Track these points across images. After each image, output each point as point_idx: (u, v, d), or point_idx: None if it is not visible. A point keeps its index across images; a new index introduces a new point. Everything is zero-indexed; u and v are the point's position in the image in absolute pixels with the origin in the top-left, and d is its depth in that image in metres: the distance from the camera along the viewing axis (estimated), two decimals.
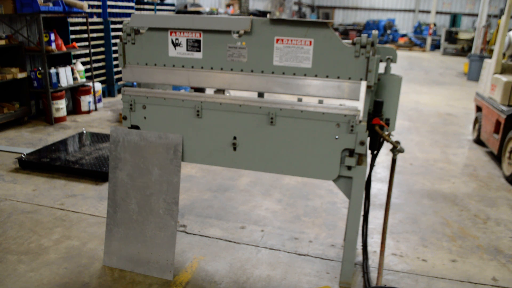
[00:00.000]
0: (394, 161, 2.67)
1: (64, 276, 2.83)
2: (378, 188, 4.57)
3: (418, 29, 28.79)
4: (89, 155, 4.84)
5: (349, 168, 2.56)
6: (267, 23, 2.43)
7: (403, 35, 28.14)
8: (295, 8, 30.17)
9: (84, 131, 5.78)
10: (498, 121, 5.39)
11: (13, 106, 6.19)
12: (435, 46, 26.80)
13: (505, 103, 5.31)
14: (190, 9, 13.13)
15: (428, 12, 30.74)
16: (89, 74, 7.65)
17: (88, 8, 7.56)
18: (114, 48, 8.49)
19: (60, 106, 6.58)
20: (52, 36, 6.39)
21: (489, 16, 23.66)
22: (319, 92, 2.46)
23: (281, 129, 2.58)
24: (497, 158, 5.65)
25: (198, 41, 2.55)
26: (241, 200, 4.11)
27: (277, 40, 2.43)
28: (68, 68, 6.78)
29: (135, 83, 4.51)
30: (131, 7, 8.98)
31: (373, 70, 2.33)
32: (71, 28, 7.26)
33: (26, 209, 3.75)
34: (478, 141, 6.35)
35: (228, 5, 17.63)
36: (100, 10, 8.22)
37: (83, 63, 7.54)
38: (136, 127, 2.84)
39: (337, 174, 2.59)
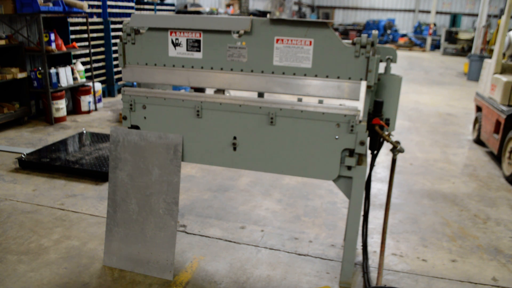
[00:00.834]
0: (394, 161, 2.67)
1: (64, 276, 2.83)
2: (378, 188, 4.57)
3: (418, 29, 28.79)
4: (89, 155, 4.84)
5: (349, 168, 2.56)
6: (267, 23, 2.43)
7: (403, 35, 28.14)
8: (295, 8, 30.17)
9: (84, 131, 5.78)
10: (498, 121, 5.39)
11: (13, 106, 6.19)
12: (435, 46, 26.80)
13: (505, 103, 5.31)
14: (190, 9, 13.13)
15: (428, 12, 30.74)
16: (89, 74, 7.65)
17: (88, 8, 7.56)
18: (114, 48, 8.49)
19: (60, 106, 6.58)
20: (52, 36, 6.39)
21: (489, 16, 23.67)
22: (319, 92, 2.46)
23: (281, 129, 2.58)
24: (497, 158, 5.65)
25: (198, 41, 2.55)
26: (241, 200, 4.11)
27: (277, 40, 2.43)
28: (68, 68, 6.78)
29: (135, 83, 4.51)
30: (131, 7, 8.98)
31: (373, 70, 2.33)
32: (71, 28, 7.26)
33: (26, 209, 3.75)
34: (478, 141, 6.35)
35: (228, 5, 17.63)
36: (100, 10, 8.22)
37: (83, 63, 7.54)
38: (136, 127, 2.84)
39: (337, 174, 2.59)
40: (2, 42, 5.84)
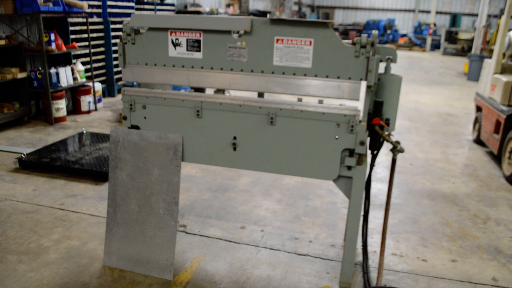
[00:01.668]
0: (394, 161, 2.67)
1: (64, 276, 2.83)
2: (378, 188, 4.57)
3: (418, 29, 28.79)
4: (89, 155, 4.84)
5: (349, 168, 2.56)
6: (267, 23, 2.43)
7: (403, 35, 28.14)
8: (295, 8, 30.16)
9: (84, 131, 5.78)
10: (498, 121, 5.39)
11: (13, 106, 6.19)
12: (435, 46, 26.80)
13: (505, 103, 5.31)
14: (190, 9, 13.13)
15: (428, 12, 30.74)
16: (89, 74, 7.65)
17: (88, 8, 7.55)
18: (114, 48, 8.49)
19: (60, 106, 6.58)
20: (52, 36, 6.39)
21: (489, 16, 23.66)
22: (319, 92, 2.46)
23: (281, 129, 2.58)
24: (497, 158, 5.65)
25: (198, 41, 2.55)
26: (241, 200, 4.11)
27: (277, 40, 2.43)
28: (68, 68, 6.78)
29: (135, 83, 4.51)
30: (131, 7, 8.98)
31: (373, 70, 2.34)
32: (71, 28, 7.26)
33: (26, 209, 3.75)
34: (478, 141, 6.35)
35: (228, 5, 17.62)
36: (100, 10, 8.22)
37: (83, 63, 7.54)
38: (136, 127, 2.84)
39: (337, 174, 2.59)
40: (2, 42, 5.84)
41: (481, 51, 14.18)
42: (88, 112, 7.31)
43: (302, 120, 2.53)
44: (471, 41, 22.20)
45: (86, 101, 7.23)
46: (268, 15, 19.98)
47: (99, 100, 7.70)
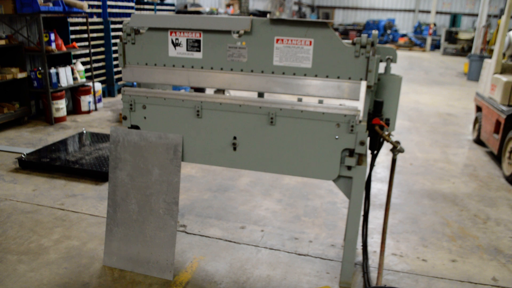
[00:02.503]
0: (394, 161, 2.67)
1: (64, 276, 2.83)
2: (378, 188, 4.57)
3: (418, 29, 28.79)
4: (89, 155, 4.84)
5: (349, 168, 2.56)
6: (267, 23, 2.43)
7: (403, 35, 28.14)
8: (295, 8, 30.17)
9: (84, 131, 5.78)
10: (498, 121, 5.39)
11: (13, 106, 6.19)
12: (435, 46, 26.80)
13: (505, 103, 5.31)
14: (190, 9, 13.13)
15: (428, 12, 30.74)
16: (89, 74, 7.65)
17: (88, 8, 7.55)
18: (114, 48, 8.49)
19: (60, 106, 6.58)
20: (52, 36, 6.39)
21: (489, 16, 23.65)
22: (319, 92, 2.46)
23: (281, 129, 2.58)
24: (497, 158, 5.65)
25: (198, 41, 2.55)
26: (241, 200, 4.11)
27: (277, 40, 2.43)
28: (68, 68, 6.78)
29: (135, 83, 4.51)
30: (131, 7, 8.98)
31: (373, 70, 2.34)
32: (71, 28, 7.26)
33: (26, 209, 3.75)
34: (478, 141, 6.35)
35: (228, 5, 17.62)
36: (100, 10, 8.22)
37: (83, 63, 7.54)
38: (136, 127, 2.84)
39: (337, 174, 2.59)
40: (2, 42, 5.84)
41: (481, 51, 14.18)
42: (88, 112, 7.31)
43: (302, 120, 2.53)
44: (471, 41, 22.21)
45: (86, 101, 7.23)
46: (268, 15, 19.98)
47: (99, 100, 7.70)
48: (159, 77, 2.69)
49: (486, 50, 13.86)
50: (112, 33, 8.41)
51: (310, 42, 2.39)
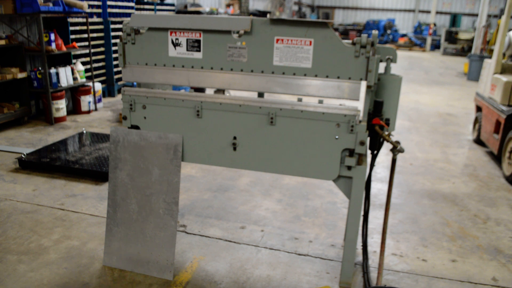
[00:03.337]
0: (394, 161, 2.67)
1: (64, 276, 2.83)
2: (378, 188, 4.57)
3: (418, 29, 28.78)
4: (89, 155, 4.84)
5: (349, 168, 2.56)
6: (267, 23, 2.43)
7: (403, 35, 28.14)
8: (295, 8, 30.16)
9: (84, 131, 5.78)
10: (498, 121, 5.39)
11: (13, 106, 6.19)
12: (435, 46, 26.80)
13: (505, 103, 5.31)
14: (190, 9, 13.12)
15: (428, 12, 30.73)
16: (89, 74, 7.65)
17: (88, 8, 7.55)
18: (114, 48, 8.49)
19: (60, 106, 6.58)
20: (52, 36, 6.39)
21: (489, 16, 23.65)
22: (319, 92, 2.46)
23: (281, 129, 2.58)
24: (497, 158, 5.65)
25: (198, 41, 2.55)
26: (241, 200, 4.11)
27: (277, 40, 2.43)
28: (68, 68, 6.78)
29: (135, 83, 4.51)
30: (131, 7, 8.98)
31: (373, 70, 2.33)
32: (71, 28, 7.26)
33: (26, 209, 3.75)
34: (478, 141, 6.35)
35: (228, 5, 17.62)
36: (100, 10, 8.22)
37: (83, 63, 7.54)
38: (136, 127, 2.84)
39: (337, 174, 2.59)
40: (2, 42, 5.84)
41: (481, 51, 14.18)
42: (88, 112, 7.31)
43: (302, 120, 2.53)
44: (471, 41, 22.21)
45: (86, 101, 7.23)
46: (268, 15, 19.98)
47: (99, 100, 7.70)
48: (159, 77, 2.69)
49: (486, 50, 13.86)
50: (112, 33, 8.41)
51: (310, 42, 2.39)
